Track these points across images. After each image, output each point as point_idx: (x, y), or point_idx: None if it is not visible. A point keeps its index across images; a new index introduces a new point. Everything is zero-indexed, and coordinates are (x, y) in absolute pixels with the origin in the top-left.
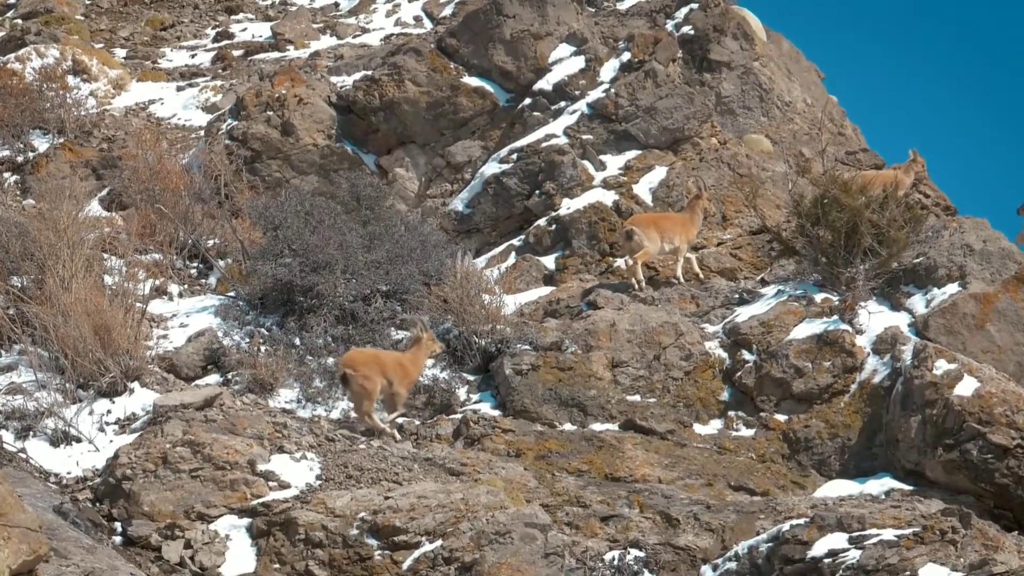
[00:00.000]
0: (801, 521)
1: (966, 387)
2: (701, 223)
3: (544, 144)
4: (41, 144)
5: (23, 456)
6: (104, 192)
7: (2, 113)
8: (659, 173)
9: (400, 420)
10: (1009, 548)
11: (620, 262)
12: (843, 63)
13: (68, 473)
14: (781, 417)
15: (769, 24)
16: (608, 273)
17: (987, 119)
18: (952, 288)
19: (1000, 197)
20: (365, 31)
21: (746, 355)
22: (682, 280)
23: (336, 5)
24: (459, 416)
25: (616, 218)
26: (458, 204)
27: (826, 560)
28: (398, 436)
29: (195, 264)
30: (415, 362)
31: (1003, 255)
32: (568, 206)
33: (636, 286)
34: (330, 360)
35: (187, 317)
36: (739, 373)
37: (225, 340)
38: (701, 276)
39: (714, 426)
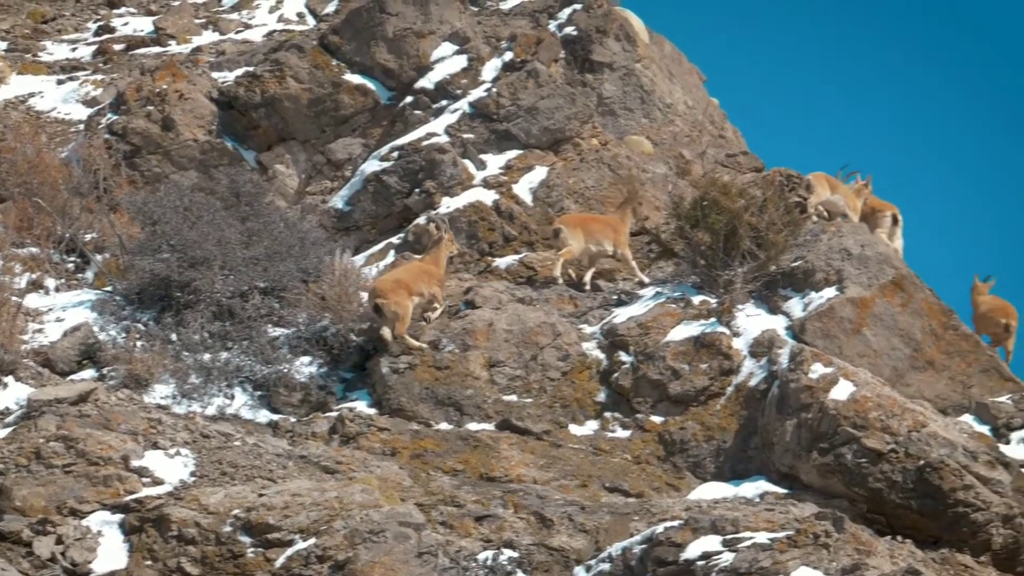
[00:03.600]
0: (675, 523)
1: (841, 391)
2: (631, 225)
3: (425, 142)
4: None
5: None
6: None
7: None
8: (539, 173)
9: (275, 417)
10: (882, 552)
11: (547, 254)
12: (726, 66)
13: None
14: (657, 419)
15: (652, 26)
16: (487, 273)
17: (877, 121)
18: (829, 292)
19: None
20: (248, 27)
21: (623, 356)
22: (646, 281)
23: (219, 1)
24: (335, 414)
25: (496, 217)
26: (338, 201)
27: (699, 562)
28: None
29: (72, 258)
30: (437, 261)
31: (880, 260)
32: (448, 205)
33: (555, 281)
34: (206, 356)
35: (63, 311)
36: (616, 374)
37: (101, 335)
38: (588, 285)
39: (590, 427)
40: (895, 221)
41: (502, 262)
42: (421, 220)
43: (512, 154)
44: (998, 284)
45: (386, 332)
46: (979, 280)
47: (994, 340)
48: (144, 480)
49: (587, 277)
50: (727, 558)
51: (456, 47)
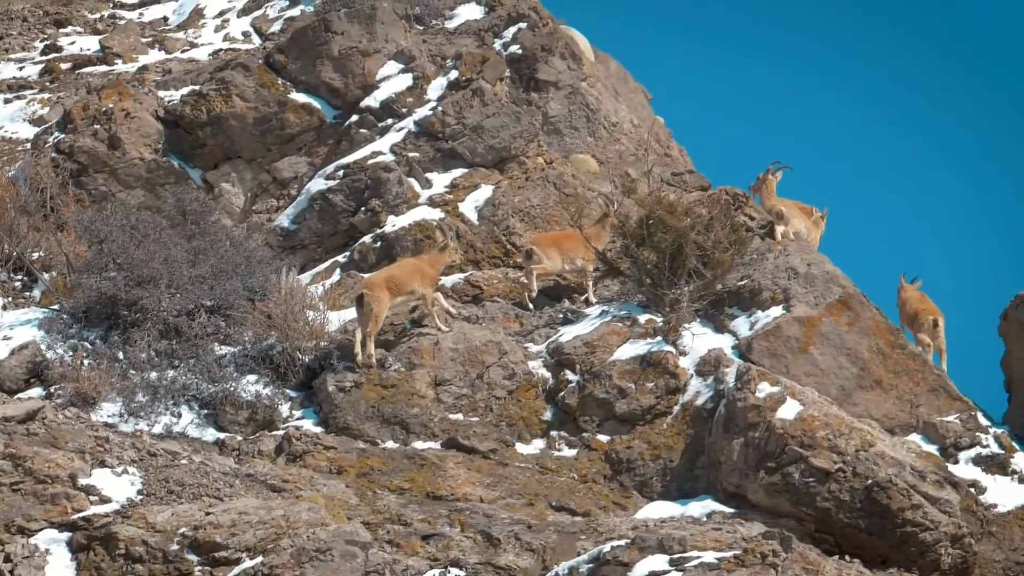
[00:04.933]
0: (622, 542)
1: (789, 410)
2: (607, 241)
3: (370, 161)
4: None
5: None
6: None
7: None
8: (485, 191)
9: (222, 436)
10: (830, 572)
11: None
12: (672, 84)
13: None
14: (603, 438)
15: (598, 45)
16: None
17: (827, 137)
18: (776, 311)
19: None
20: (194, 46)
21: (569, 375)
22: (593, 300)
23: (165, 20)
24: (281, 432)
25: (441, 236)
26: (284, 220)
27: None
28: (444, 328)
29: (19, 277)
30: (435, 264)
31: (827, 278)
32: (393, 223)
33: (527, 297)
34: (153, 375)
35: (10, 330)
36: (562, 393)
37: (48, 353)
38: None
39: (536, 446)
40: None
41: (448, 280)
42: (367, 239)
43: (457, 172)
44: (926, 284)
45: (358, 333)
46: (905, 281)
47: (921, 342)
48: (92, 498)
49: (590, 295)
50: None
51: (401, 66)
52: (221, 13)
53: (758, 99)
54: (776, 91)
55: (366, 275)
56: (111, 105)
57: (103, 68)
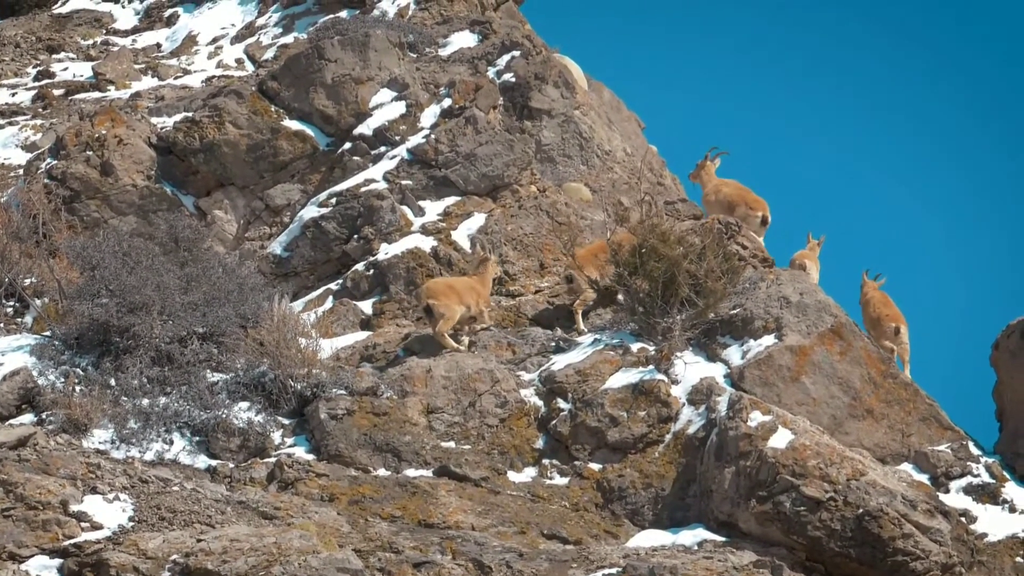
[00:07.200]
0: (613, 571)
1: (780, 439)
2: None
3: (363, 188)
4: None
5: None
6: None
7: None
8: (478, 220)
9: (214, 463)
10: None
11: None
12: (664, 113)
13: None
14: (595, 466)
15: (591, 73)
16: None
17: (816, 165)
18: (768, 340)
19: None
20: (187, 72)
21: (561, 403)
22: (584, 329)
23: (158, 46)
24: (273, 459)
25: (434, 264)
26: (276, 247)
27: None
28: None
29: (11, 303)
30: (484, 283)
31: (819, 308)
32: (386, 251)
33: (579, 330)
34: (145, 401)
35: (2, 356)
36: (554, 421)
37: (40, 379)
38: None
39: (528, 474)
40: (764, 222)
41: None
42: (360, 267)
43: (450, 200)
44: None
45: (433, 331)
46: (867, 277)
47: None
48: (83, 525)
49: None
50: None
51: (395, 93)
52: (214, 40)
53: (750, 130)
54: (765, 124)
55: (356, 302)
56: (104, 132)
57: (96, 94)
